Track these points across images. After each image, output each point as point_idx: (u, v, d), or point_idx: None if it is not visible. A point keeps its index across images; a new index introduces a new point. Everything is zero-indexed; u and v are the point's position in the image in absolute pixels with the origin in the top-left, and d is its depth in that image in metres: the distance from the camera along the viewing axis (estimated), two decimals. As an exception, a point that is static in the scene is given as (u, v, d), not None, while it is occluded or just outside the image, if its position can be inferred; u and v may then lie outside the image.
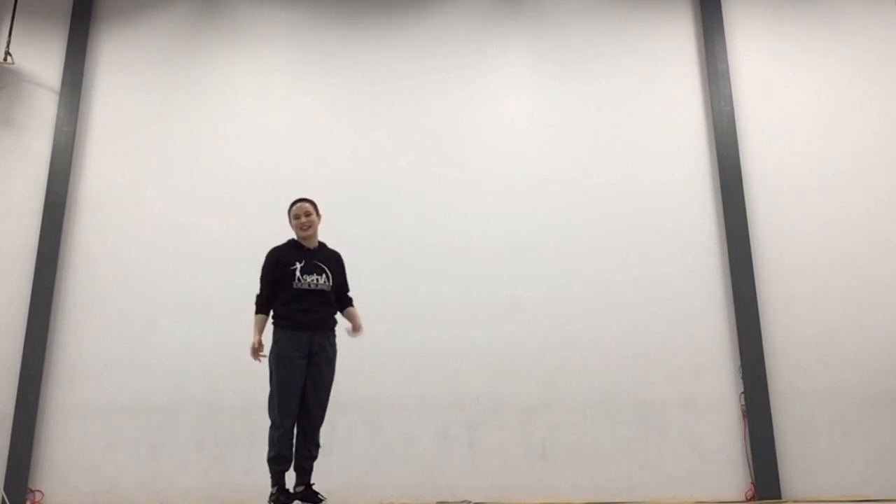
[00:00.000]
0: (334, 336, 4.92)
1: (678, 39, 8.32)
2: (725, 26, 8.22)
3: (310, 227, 4.92)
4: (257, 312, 4.85)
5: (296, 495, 4.68)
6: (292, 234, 5.04)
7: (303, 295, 4.76)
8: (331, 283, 4.88)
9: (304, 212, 4.93)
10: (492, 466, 7.14)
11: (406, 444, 7.23)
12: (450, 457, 7.17)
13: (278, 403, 4.64)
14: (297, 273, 4.77)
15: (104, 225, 7.83)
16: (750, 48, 8.21)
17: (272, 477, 4.66)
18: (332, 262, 4.98)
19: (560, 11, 8.50)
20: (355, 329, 5.03)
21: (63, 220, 7.73)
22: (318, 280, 4.81)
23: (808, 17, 8.31)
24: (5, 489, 6.88)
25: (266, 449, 4.68)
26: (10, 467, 7.04)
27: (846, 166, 7.78)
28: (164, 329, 7.52)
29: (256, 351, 4.73)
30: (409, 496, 7.02)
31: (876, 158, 7.79)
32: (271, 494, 4.63)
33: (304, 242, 4.94)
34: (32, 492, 7.05)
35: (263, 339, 4.78)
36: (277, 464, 4.64)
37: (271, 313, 4.86)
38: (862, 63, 8.11)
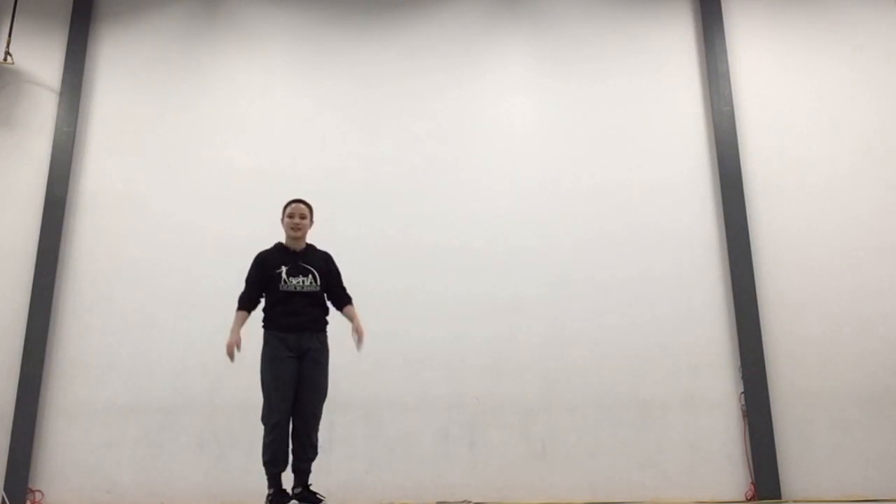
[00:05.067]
0: (325, 337, 4.92)
1: (678, 39, 8.33)
2: (725, 26, 8.22)
3: (300, 228, 4.94)
4: (239, 309, 4.87)
5: (294, 496, 4.68)
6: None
7: (289, 297, 4.77)
8: (318, 285, 4.88)
9: (298, 213, 4.95)
10: (492, 466, 7.14)
11: (406, 444, 7.23)
12: (450, 457, 7.17)
13: (270, 404, 4.65)
14: (283, 275, 4.80)
15: (104, 225, 7.83)
16: (750, 48, 8.21)
17: (268, 479, 4.65)
18: (320, 263, 4.98)
19: (560, 11, 8.50)
20: (357, 332, 4.96)
21: (63, 220, 7.73)
22: (304, 282, 4.82)
23: (809, 17, 8.31)
24: (5, 489, 6.87)
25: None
26: (10, 467, 7.03)
27: (846, 166, 7.78)
28: (164, 329, 7.52)
29: (233, 347, 4.73)
30: (409, 496, 7.01)
31: (876, 158, 7.79)
32: (268, 496, 4.63)
33: (291, 244, 4.96)
34: (32, 492, 7.05)
35: (253, 343, 4.76)
36: (272, 466, 4.64)
37: (262, 316, 4.86)
38: (862, 63, 8.11)
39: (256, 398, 7.49)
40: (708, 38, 8.18)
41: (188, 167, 8.03)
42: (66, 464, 7.17)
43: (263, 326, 4.83)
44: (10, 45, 8.11)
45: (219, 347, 7.36)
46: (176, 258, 7.72)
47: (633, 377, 7.32)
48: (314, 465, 4.81)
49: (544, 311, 7.54)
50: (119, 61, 8.37)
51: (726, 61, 8.08)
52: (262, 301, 4.90)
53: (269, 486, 4.65)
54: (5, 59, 8.06)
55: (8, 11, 8.22)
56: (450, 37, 8.43)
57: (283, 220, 5.01)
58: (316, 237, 7.86)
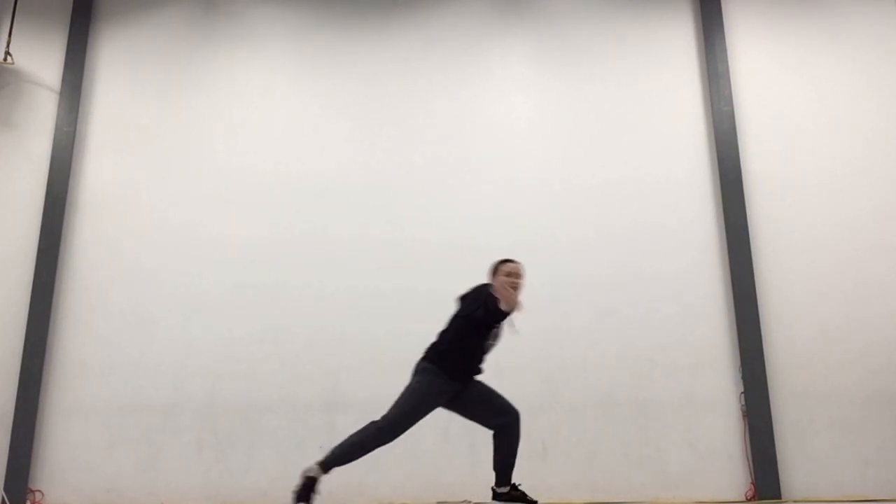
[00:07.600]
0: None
1: (678, 40, 8.32)
2: (725, 26, 8.22)
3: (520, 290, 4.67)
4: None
5: (499, 495, 4.83)
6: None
7: (484, 354, 4.77)
8: None
9: (518, 272, 4.74)
10: (492, 466, 7.12)
11: (406, 444, 7.16)
12: (450, 457, 7.17)
13: (404, 425, 4.70)
14: (498, 333, 4.77)
15: (104, 225, 7.83)
16: (750, 48, 8.21)
17: (324, 470, 4.56)
18: None
19: (560, 11, 8.50)
20: None
21: (63, 220, 7.73)
22: (493, 342, 4.81)
23: (809, 17, 8.31)
24: (5, 489, 6.87)
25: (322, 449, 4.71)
26: (10, 467, 7.03)
27: (846, 166, 7.78)
28: (164, 329, 7.52)
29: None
30: (409, 496, 7.01)
31: (876, 158, 7.79)
32: (309, 480, 4.50)
33: (506, 308, 4.60)
34: (32, 492, 7.05)
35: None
36: (342, 463, 4.64)
37: (437, 349, 4.77)
38: (862, 63, 8.11)
39: (257, 398, 7.47)
40: (708, 38, 8.18)
41: (188, 167, 8.03)
42: (66, 464, 7.17)
43: (441, 365, 4.70)
44: (10, 45, 8.11)
45: (219, 348, 7.49)
46: (176, 258, 7.72)
47: (633, 377, 7.32)
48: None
49: (544, 310, 7.52)
50: (119, 61, 8.37)
51: (726, 61, 8.07)
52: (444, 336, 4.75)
53: (319, 473, 4.54)
54: (5, 59, 8.06)
55: (8, 11, 8.22)
56: (450, 36, 8.43)
57: (498, 276, 4.70)
58: (315, 237, 7.89)
